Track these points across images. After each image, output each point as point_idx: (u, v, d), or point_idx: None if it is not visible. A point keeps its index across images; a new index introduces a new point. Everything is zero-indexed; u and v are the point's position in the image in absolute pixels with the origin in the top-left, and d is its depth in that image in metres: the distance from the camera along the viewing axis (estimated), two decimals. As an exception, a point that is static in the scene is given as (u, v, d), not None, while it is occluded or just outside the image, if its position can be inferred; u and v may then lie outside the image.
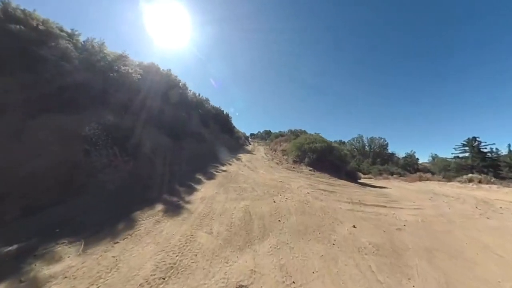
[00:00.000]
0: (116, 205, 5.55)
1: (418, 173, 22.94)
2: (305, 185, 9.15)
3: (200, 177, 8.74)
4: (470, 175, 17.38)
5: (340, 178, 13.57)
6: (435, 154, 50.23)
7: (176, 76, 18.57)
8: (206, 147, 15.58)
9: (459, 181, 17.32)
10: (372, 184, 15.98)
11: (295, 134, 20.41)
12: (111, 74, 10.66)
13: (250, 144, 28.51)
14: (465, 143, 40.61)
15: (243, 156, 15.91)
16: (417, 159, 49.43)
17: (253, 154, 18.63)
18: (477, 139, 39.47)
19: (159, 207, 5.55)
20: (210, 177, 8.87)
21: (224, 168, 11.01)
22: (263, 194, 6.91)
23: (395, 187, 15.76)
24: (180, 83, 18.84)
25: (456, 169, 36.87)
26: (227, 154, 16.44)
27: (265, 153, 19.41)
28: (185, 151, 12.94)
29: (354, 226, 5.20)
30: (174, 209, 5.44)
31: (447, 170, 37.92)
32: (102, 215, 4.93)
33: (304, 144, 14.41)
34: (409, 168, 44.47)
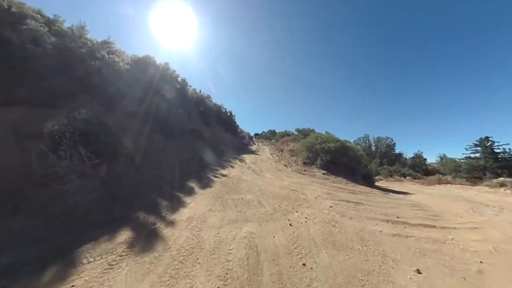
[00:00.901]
0: (63, 231, 3.72)
1: (436, 175, 20.75)
2: (323, 194, 7.22)
3: (193, 184, 6.88)
4: (501, 178, 15.17)
5: (357, 182, 11.59)
6: (443, 154, 47.58)
7: (174, 71, 16.76)
8: (206, 147, 13.75)
9: (487, 185, 15.18)
10: (391, 188, 13.94)
11: (303, 133, 18.48)
12: (93, 63, 8.90)
13: (255, 144, 26.62)
14: (477, 143, 38.09)
15: (247, 157, 14.02)
16: (425, 159, 47.02)
17: (258, 154, 16.74)
18: (490, 139, 36.92)
19: (124, 234, 3.70)
20: (206, 184, 7.00)
21: (224, 171, 9.14)
22: (274, 211, 5.00)
23: (418, 192, 13.69)
24: (179, 78, 17.07)
25: (468, 170, 34.55)
26: (230, 154, 14.59)
27: (270, 154, 17.51)
28: (180, 152, 11.12)
29: (418, 271, 3.26)
30: (144, 240, 3.57)
31: (458, 171, 35.57)
32: (28, 251, 3.11)
33: (315, 144, 12.49)
34: (418, 168, 42.09)
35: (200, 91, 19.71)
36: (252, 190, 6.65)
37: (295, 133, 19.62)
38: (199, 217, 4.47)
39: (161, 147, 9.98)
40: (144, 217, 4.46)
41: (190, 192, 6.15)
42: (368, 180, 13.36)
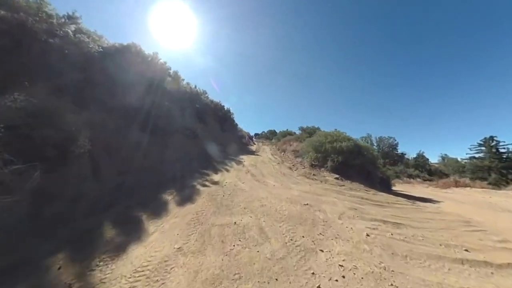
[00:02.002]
0: None
1: (452, 178, 18.68)
2: (347, 209, 5.17)
3: (169, 197, 4.83)
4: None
5: (375, 188, 9.55)
6: (445, 154, 45.58)
7: (165, 62, 14.70)
8: (198, 147, 11.72)
9: (516, 190, 13.15)
10: (410, 194, 11.89)
11: (308, 132, 16.46)
12: (51, 40, 6.90)
13: (255, 144, 24.58)
14: (481, 142, 36.20)
15: (246, 159, 11.97)
16: (427, 159, 45.03)
17: (258, 155, 14.70)
18: (495, 138, 35.00)
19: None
20: (187, 197, 4.94)
21: (216, 177, 7.10)
22: (286, 253, 2.92)
23: (440, 197, 11.63)
24: (171, 71, 15.03)
25: (472, 170, 32.77)
26: (226, 155, 12.55)
27: (272, 154, 15.48)
28: (165, 152, 9.06)
29: None
30: None
31: (462, 172, 33.74)
32: None
33: (324, 143, 10.47)
34: (421, 169, 40.10)
35: (196, 86, 17.66)
36: (250, 206, 4.60)
37: (299, 132, 17.61)
38: (154, 269, 2.43)
39: (142, 146, 7.94)
40: (59, 268, 2.42)
41: (160, 210, 4.10)
42: (385, 185, 11.32)
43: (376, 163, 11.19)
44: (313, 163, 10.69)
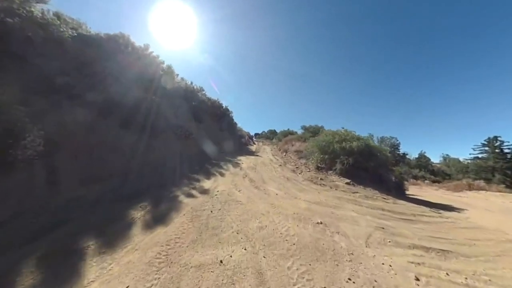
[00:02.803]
0: None
1: (465, 180, 17.36)
2: (374, 230, 3.90)
3: (138, 215, 3.57)
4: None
5: (391, 194, 8.29)
6: (447, 155, 44.29)
7: (157, 56, 13.47)
8: (192, 147, 10.45)
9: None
10: (428, 200, 10.60)
11: (311, 131, 15.19)
12: (10, 20, 5.70)
13: (255, 144, 23.32)
14: (485, 142, 34.94)
15: (245, 160, 10.71)
16: (429, 159, 43.68)
17: (258, 156, 13.44)
18: (499, 138, 33.71)
19: None
20: (161, 216, 3.66)
21: (207, 184, 5.84)
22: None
23: (460, 203, 10.36)
24: (164, 65, 13.79)
25: (476, 171, 31.56)
26: (223, 156, 11.29)
27: (273, 155, 14.22)
28: (152, 153, 7.81)
29: None
30: None
31: (465, 172, 32.53)
32: None
33: (332, 143, 9.21)
34: (424, 169, 38.82)
35: (192, 83, 16.40)
36: (246, 229, 3.34)
37: (301, 131, 16.34)
38: None
39: (119, 147, 6.71)
40: None
41: (117, 238, 2.84)
42: (399, 189, 10.04)
43: (389, 166, 9.92)
44: (319, 165, 9.43)
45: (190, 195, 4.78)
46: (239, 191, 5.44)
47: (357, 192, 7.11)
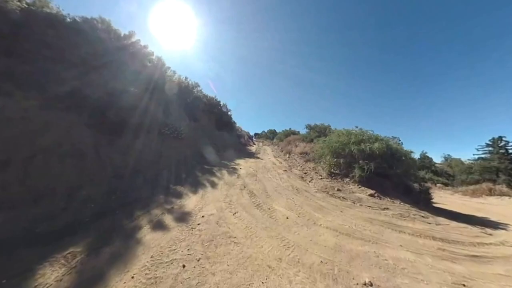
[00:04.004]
0: None
1: (484, 184, 15.70)
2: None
3: (48, 277, 1.90)
4: None
5: (419, 206, 6.63)
6: (448, 155, 42.54)
7: (145, 46, 11.77)
8: (182, 150, 8.75)
9: None
10: (457, 211, 8.92)
11: (317, 130, 13.50)
12: None
13: (254, 145, 21.64)
14: (489, 143, 33.28)
15: (243, 164, 9.03)
16: (431, 159, 42.01)
17: (258, 158, 11.76)
18: (504, 138, 32.05)
19: None
20: (91, 281, 2.02)
21: (191, 201, 4.15)
22: None
23: (496, 215, 8.69)
24: (153, 57, 12.11)
25: (480, 172, 29.93)
26: (218, 159, 9.60)
27: (275, 157, 12.56)
28: (130, 157, 6.14)
29: None
30: None
31: (469, 173, 30.92)
32: None
33: (348, 144, 7.55)
34: (427, 170, 37.09)
35: (186, 78, 14.70)
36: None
37: (306, 131, 14.70)
38: None
39: (76, 149, 5.03)
40: None
41: None
42: (426, 199, 8.36)
43: (415, 171, 8.25)
44: (332, 171, 7.76)
45: (160, 226, 3.10)
46: (234, 214, 3.75)
47: (387, 209, 5.44)
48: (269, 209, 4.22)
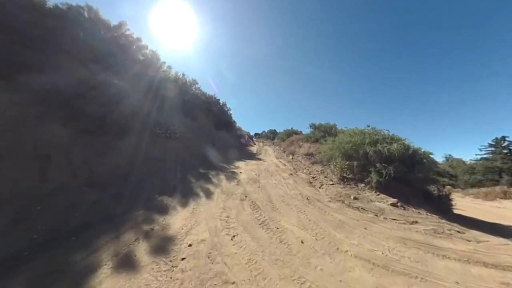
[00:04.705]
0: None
1: (498, 187, 14.78)
2: None
3: None
4: None
5: (442, 214, 5.70)
6: (449, 155, 41.53)
7: (138, 39, 10.94)
8: (175, 151, 7.79)
9: None
10: (480, 219, 7.98)
11: (322, 130, 12.56)
12: None
13: (255, 145, 20.71)
14: (492, 143, 32.41)
15: (244, 167, 8.10)
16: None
17: (260, 160, 10.83)
18: (507, 138, 31.18)
19: None
20: None
21: (177, 219, 3.20)
22: None
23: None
24: (147, 51, 11.19)
25: (483, 172, 29.06)
26: (216, 162, 8.66)
27: (277, 158, 11.63)
28: (108, 160, 5.22)
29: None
30: None
31: (472, 173, 30.04)
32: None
33: (363, 145, 6.62)
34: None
35: (184, 75, 13.75)
36: None
37: (310, 130, 13.74)
38: None
39: (48, 150, 4.11)
40: None
41: None
42: (447, 207, 7.42)
43: (435, 175, 7.32)
44: (344, 175, 6.82)
45: (127, 264, 2.16)
46: (233, 238, 2.82)
47: (416, 222, 4.50)
48: (277, 228, 3.28)
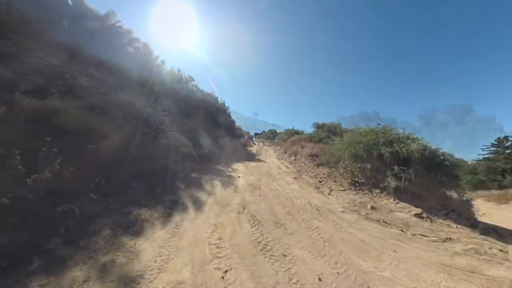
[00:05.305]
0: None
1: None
2: None
3: None
4: None
5: (463, 223, 4.89)
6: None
7: (129, 31, 10.16)
8: (165, 152, 6.98)
9: None
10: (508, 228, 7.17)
11: (327, 130, 11.73)
12: None
13: (255, 145, 19.90)
14: (495, 143, 31.69)
15: (243, 169, 7.28)
16: (434, 159, 40.27)
17: (260, 161, 10.01)
18: (510, 138, 30.48)
19: None
20: None
21: (151, 246, 2.36)
22: None
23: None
24: (139, 45, 10.41)
25: (485, 172, 28.36)
26: (212, 163, 7.82)
27: (279, 159, 10.83)
28: (80, 163, 4.32)
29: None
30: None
31: (475, 174, 29.36)
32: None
33: (378, 146, 5.81)
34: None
35: (179, 70, 12.92)
36: None
37: (313, 130, 12.91)
38: None
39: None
40: None
41: None
42: (469, 215, 6.60)
43: (457, 179, 6.50)
44: (356, 179, 6.01)
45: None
46: (224, 275, 2.00)
47: (449, 239, 3.68)
48: (284, 256, 2.46)
